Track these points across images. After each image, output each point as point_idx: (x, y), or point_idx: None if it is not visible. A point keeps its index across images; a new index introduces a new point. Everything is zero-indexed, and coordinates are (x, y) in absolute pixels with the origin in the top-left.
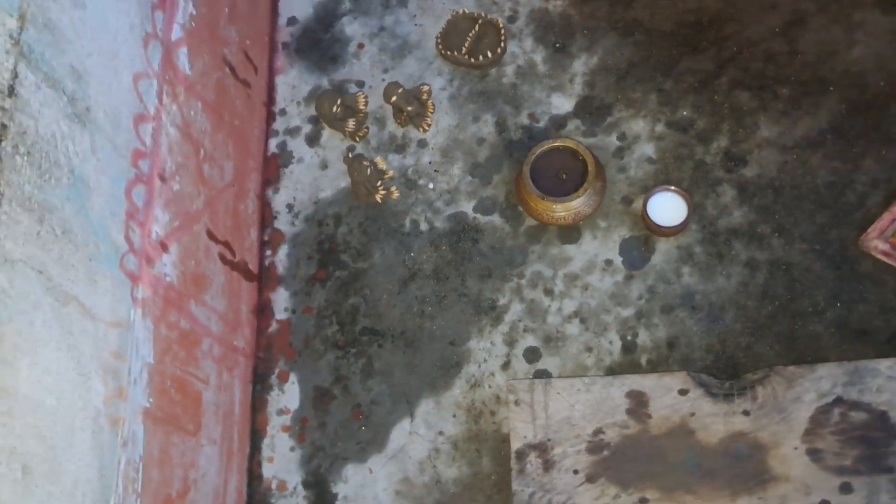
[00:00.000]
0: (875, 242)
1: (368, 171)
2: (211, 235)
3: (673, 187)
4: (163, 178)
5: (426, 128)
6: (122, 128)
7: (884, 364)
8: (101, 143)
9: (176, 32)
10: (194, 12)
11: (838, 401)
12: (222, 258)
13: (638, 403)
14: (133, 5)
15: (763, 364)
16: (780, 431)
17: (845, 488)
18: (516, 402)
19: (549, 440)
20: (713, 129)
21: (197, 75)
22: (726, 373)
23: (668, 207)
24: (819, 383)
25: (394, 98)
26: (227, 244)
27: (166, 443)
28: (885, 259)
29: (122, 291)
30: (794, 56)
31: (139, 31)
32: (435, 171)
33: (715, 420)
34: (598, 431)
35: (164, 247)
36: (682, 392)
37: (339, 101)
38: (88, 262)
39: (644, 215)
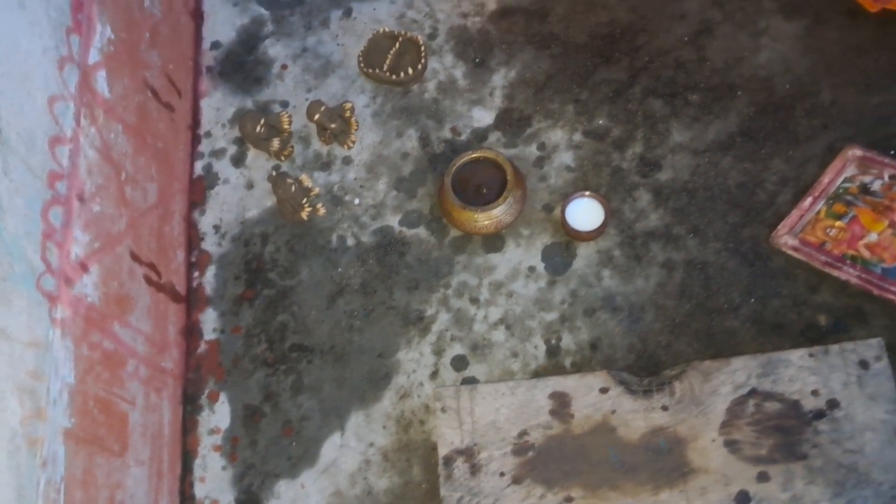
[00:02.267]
0: (785, 238)
1: (293, 188)
2: (135, 257)
3: (588, 193)
4: (82, 200)
5: (350, 145)
6: (37, 149)
7: (795, 354)
8: (14, 164)
9: (93, 56)
10: (112, 36)
11: (753, 392)
12: (148, 280)
13: (561, 404)
14: (46, 29)
15: (683, 361)
16: (698, 424)
17: (762, 477)
18: (443, 409)
19: (475, 445)
20: (628, 137)
21: (117, 98)
22: (648, 371)
23: (585, 212)
24: (734, 376)
25: (317, 116)
26: (152, 266)
27: (90, 463)
28: (795, 254)
29: (40, 311)
30: (703, 63)
31: (53, 55)
32: (360, 186)
33: (635, 416)
34: (523, 433)
35: (84, 267)
36: (603, 390)
37: (262, 121)
38: (2, 282)
39: (563, 221)
